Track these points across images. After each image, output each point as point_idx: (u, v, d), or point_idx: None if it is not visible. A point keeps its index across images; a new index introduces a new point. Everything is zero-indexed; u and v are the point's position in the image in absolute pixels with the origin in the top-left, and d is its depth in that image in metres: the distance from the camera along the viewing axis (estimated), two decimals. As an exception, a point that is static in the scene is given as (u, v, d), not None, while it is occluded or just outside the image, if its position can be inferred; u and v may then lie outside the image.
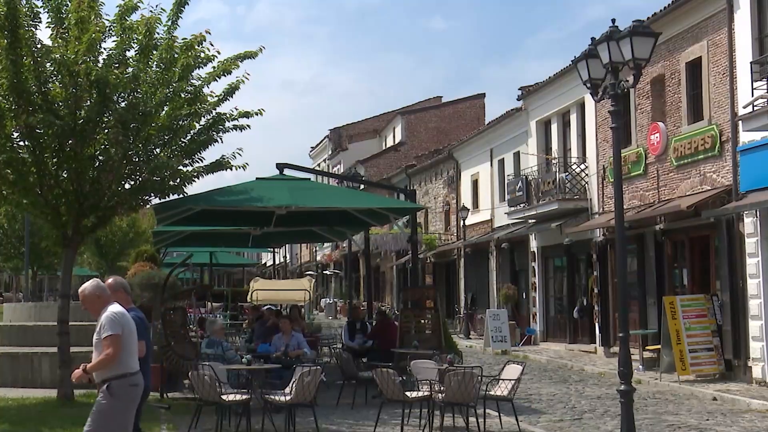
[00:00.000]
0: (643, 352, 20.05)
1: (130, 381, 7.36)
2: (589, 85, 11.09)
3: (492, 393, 12.32)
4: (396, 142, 54.80)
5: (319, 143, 66.54)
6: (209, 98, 14.98)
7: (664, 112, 21.05)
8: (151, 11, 14.38)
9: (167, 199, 15.19)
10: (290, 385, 11.76)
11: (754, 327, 17.26)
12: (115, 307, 7.46)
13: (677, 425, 12.91)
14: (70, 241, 14.75)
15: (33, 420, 12.17)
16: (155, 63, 14.35)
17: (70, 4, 13.96)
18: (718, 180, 18.63)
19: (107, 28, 14.15)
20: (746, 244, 17.51)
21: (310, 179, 18.71)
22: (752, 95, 16.77)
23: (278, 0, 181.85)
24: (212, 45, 14.78)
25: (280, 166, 17.36)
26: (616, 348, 19.01)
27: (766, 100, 16.42)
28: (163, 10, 14.55)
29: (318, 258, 61.53)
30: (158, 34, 14.47)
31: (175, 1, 14.79)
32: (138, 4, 14.33)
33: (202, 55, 14.66)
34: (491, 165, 33.56)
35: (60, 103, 13.65)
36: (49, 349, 15.75)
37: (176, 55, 14.40)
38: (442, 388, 11.66)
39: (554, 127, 27.92)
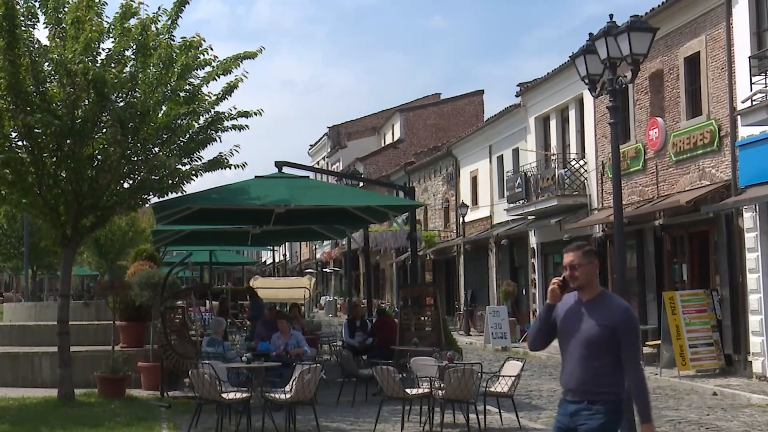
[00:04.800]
0: (642, 348, 20.05)
1: None
2: (587, 81, 11.10)
3: (492, 390, 12.31)
4: (395, 140, 54.77)
5: (318, 141, 66.46)
6: (208, 97, 14.96)
7: (662, 107, 21.03)
8: (152, 13, 14.38)
9: (166, 198, 15.19)
10: (290, 383, 11.75)
11: (753, 322, 17.26)
12: None
13: (677, 420, 12.91)
14: (69, 240, 14.74)
15: (33, 420, 12.15)
16: (154, 63, 14.33)
17: (68, 4, 13.95)
18: (717, 175, 18.61)
19: (106, 29, 14.12)
20: (746, 239, 17.51)
21: (309, 177, 18.72)
22: (751, 90, 16.75)
23: (277, 0, 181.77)
24: (211, 48, 14.78)
25: (279, 164, 17.34)
26: (616, 344, 18.98)
27: (764, 94, 16.41)
28: (165, 10, 14.53)
29: (317, 256, 61.49)
30: (156, 32, 14.44)
31: (176, 1, 14.78)
32: (137, 7, 14.30)
33: (201, 57, 14.64)
34: (490, 162, 33.55)
35: (58, 103, 13.63)
36: (49, 348, 15.75)
37: (175, 55, 14.38)
38: (442, 385, 11.66)
39: (553, 124, 27.90)
